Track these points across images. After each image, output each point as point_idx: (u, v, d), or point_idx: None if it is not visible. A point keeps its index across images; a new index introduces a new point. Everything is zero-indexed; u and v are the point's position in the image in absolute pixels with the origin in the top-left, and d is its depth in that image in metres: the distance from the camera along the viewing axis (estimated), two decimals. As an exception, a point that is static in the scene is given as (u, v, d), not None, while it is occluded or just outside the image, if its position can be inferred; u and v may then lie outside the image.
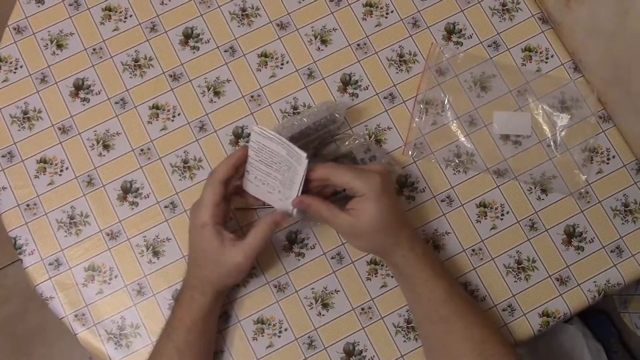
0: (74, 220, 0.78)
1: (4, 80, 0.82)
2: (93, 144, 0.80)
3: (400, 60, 0.82)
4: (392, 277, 0.77)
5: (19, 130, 0.81)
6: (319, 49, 0.83)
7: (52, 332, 1.57)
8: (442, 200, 0.79)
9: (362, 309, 0.77)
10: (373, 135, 0.80)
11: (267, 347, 0.76)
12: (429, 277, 0.69)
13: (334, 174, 0.68)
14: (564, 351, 1.15)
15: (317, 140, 0.78)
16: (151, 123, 0.81)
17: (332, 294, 0.77)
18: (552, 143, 0.80)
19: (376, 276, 0.77)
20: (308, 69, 0.82)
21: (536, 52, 0.83)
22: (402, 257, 0.69)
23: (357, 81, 0.82)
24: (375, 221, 0.67)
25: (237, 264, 0.68)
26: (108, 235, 0.78)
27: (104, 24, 0.83)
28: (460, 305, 0.69)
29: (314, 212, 0.70)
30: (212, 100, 0.81)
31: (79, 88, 0.81)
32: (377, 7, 0.84)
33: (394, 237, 0.69)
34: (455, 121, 0.81)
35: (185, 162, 0.80)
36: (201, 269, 0.70)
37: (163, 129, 0.81)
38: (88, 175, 0.79)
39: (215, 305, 0.71)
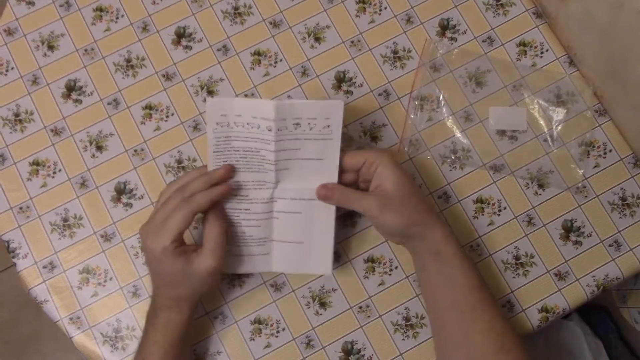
0: (68, 223, 0.78)
1: (-5, 83, 0.81)
2: (86, 146, 0.79)
3: (394, 57, 0.82)
4: (390, 275, 0.76)
5: (10, 132, 0.80)
6: (313, 46, 0.82)
7: (46, 338, 1.56)
8: (438, 197, 0.78)
9: (360, 308, 0.76)
10: (368, 133, 0.80)
11: (264, 348, 0.75)
12: (463, 261, 0.67)
13: (346, 157, 0.68)
14: (563, 347, 1.14)
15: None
16: (144, 123, 0.80)
17: (329, 292, 0.76)
18: (548, 138, 0.80)
19: (373, 274, 0.77)
20: (302, 66, 0.82)
21: (531, 46, 0.82)
22: (442, 229, 0.67)
23: (351, 78, 0.81)
24: (402, 184, 0.66)
25: (209, 269, 0.64)
26: (102, 237, 0.77)
27: (95, 24, 0.82)
28: (487, 294, 0.68)
29: (340, 197, 0.67)
30: (205, 100, 0.80)
31: (71, 89, 0.81)
32: (370, 4, 0.83)
33: (425, 203, 0.67)
34: (450, 117, 0.80)
35: (179, 162, 0.79)
36: (173, 289, 0.66)
37: (156, 129, 0.80)
38: (81, 177, 0.79)
39: (191, 318, 0.69)
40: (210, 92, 0.80)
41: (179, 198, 0.65)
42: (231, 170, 0.67)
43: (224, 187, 0.67)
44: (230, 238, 0.70)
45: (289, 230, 0.71)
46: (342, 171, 0.69)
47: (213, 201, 0.65)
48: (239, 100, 0.66)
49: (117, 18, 0.83)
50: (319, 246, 0.71)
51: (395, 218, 0.66)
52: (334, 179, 0.68)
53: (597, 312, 1.30)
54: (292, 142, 0.67)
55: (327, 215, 0.70)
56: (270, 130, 0.65)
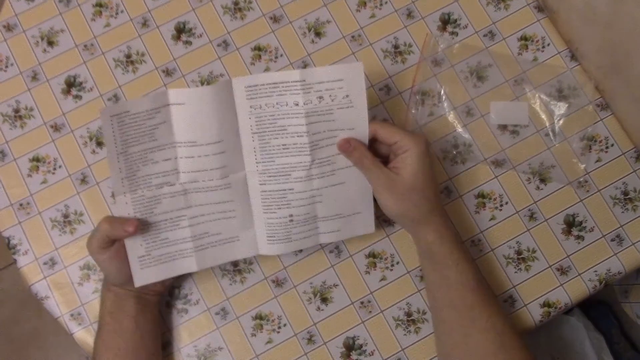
0: (68, 219, 0.77)
1: (-5, 79, 0.81)
2: (86, 142, 0.79)
3: (395, 52, 0.82)
4: (391, 270, 0.76)
5: (10, 129, 0.80)
6: (313, 41, 0.82)
7: (47, 335, 1.56)
8: (440, 192, 0.78)
9: (362, 303, 0.76)
10: (369, 128, 0.80)
11: (266, 343, 0.75)
12: (459, 261, 0.67)
13: (383, 128, 0.67)
14: (565, 342, 1.14)
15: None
16: (145, 119, 0.80)
17: (330, 288, 0.76)
18: (550, 132, 0.79)
19: (375, 269, 0.76)
20: (302, 62, 0.81)
21: (532, 41, 0.82)
22: (435, 231, 0.67)
23: (352, 73, 0.81)
24: (416, 177, 0.66)
25: (101, 259, 0.67)
26: (103, 233, 0.77)
27: (95, 20, 0.82)
28: (485, 293, 0.67)
29: (357, 159, 0.68)
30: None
31: (71, 85, 0.80)
32: (371, -1, 0.83)
33: (430, 203, 0.67)
34: (452, 112, 0.80)
35: (180, 158, 0.79)
36: (123, 284, 0.70)
37: (157, 125, 0.80)
38: (82, 173, 0.78)
39: (123, 302, 0.70)
40: (211, 88, 0.80)
41: None
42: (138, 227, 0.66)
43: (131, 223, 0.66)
44: (276, 223, 0.71)
45: (331, 205, 0.71)
46: (376, 140, 0.69)
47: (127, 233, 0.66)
48: (263, 76, 0.67)
49: (117, 14, 0.82)
50: (362, 209, 0.72)
51: (391, 203, 0.67)
52: (365, 144, 0.69)
53: (598, 307, 1.29)
54: (319, 116, 0.68)
55: (363, 178, 0.70)
56: (297, 104, 0.67)
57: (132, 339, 0.69)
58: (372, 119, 0.80)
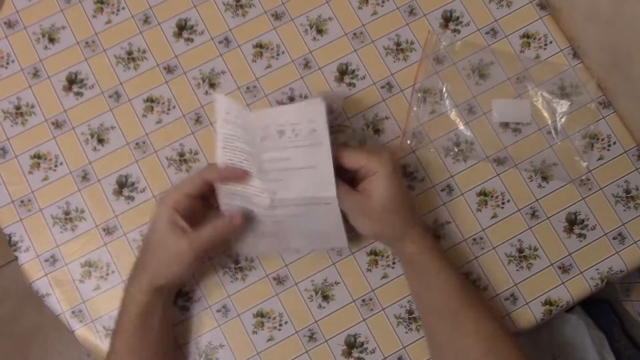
0: (70, 216, 0.77)
1: (-4, 76, 0.81)
2: (87, 139, 0.79)
3: (397, 49, 0.81)
4: (392, 267, 0.76)
5: (11, 125, 0.79)
6: (315, 38, 0.82)
7: (48, 332, 1.56)
8: (441, 190, 0.78)
9: (363, 301, 0.76)
10: (371, 125, 0.79)
11: (267, 341, 0.75)
12: (441, 268, 0.67)
13: (346, 156, 0.66)
14: (566, 341, 1.14)
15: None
16: (146, 116, 0.80)
17: (332, 286, 0.76)
18: (552, 130, 0.79)
19: (376, 267, 0.76)
20: (304, 59, 0.81)
21: (534, 38, 0.82)
22: (413, 243, 0.68)
23: (353, 71, 0.81)
24: (387, 199, 0.65)
25: (179, 252, 0.64)
26: (104, 230, 0.77)
27: (96, 16, 0.82)
28: (469, 298, 0.68)
29: None
30: (207, 92, 0.80)
31: (72, 82, 0.80)
32: (373, -4, 0.83)
33: (404, 220, 0.67)
34: (453, 109, 0.80)
35: (181, 155, 0.79)
36: (145, 253, 0.67)
37: (158, 122, 0.79)
38: (83, 170, 0.78)
39: (156, 304, 0.67)
40: (212, 85, 0.80)
41: None
42: (246, 175, 0.66)
43: (238, 170, 0.66)
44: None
45: (297, 232, 0.71)
46: (340, 166, 0.67)
47: (223, 177, 0.66)
48: (236, 106, 0.66)
49: (118, 10, 0.82)
50: (332, 234, 0.70)
51: (367, 225, 0.68)
52: (331, 185, 0.65)
53: (600, 305, 1.29)
54: (280, 152, 0.65)
55: (332, 214, 0.67)
56: (262, 141, 0.65)
57: (156, 340, 0.68)
58: (374, 116, 0.79)
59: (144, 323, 0.66)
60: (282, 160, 0.66)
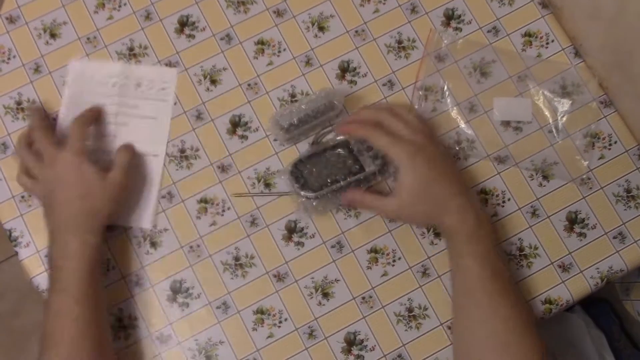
0: (70, 212, 0.77)
1: (-3, 71, 0.81)
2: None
3: (399, 47, 0.81)
4: (393, 265, 0.76)
5: (12, 121, 0.79)
6: (317, 36, 0.82)
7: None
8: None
9: (363, 298, 0.76)
10: (372, 123, 0.79)
11: (267, 338, 0.75)
12: (479, 253, 0.68)
13: (374, 136, 0.70)
14: (566, 340, 1.14)
15: (317, 127, 0.77)
16: (147, 112, 0.80)
17: (332, 283, 0.76)
18: (553, 129, 0.79)
19: (377, 265, 0.76)
20: (306, 56, 0.81)
21: (536, 37, 0.82)
22: (450, 227, 0.69)
23: (355, 68, 0.81)
24: (413, 192, 0.68)
25: (120, 183, 0.72)
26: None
27: (97, 12, 0.82)
28: (505, 285, 0.68)
29: (359, 203, 0.73)
30: (208, 89, 0.80)
31: (73, 78, 0.80)
32: (375, -7, 0.83)
33: (439, 207, 0.69)
34: (455, 108, 0.80)
35: (182, 151, 0.79)
36: (84, 200, 0.69)
37: (159, 119, 0.79)
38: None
39: (102, 244, 0.72)
40: (214, 82, 0.80)
41: None
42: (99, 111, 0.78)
43: (93, 109, 0.77)
44: None
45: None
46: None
47: (89, 121, 0.76)
48: (92, 63, 0.79)
49: (120, 6, 0.82)
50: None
51: (411, 219, 0.74)
52: (164, 136, 0.78)
53: (599, 304, 1.29)
54: (132, 100, 0.78)
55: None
56: (114, 86, 0.78)
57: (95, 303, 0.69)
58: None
59: (99, 268, 0.71)
60: (131, 107, 0.78)
